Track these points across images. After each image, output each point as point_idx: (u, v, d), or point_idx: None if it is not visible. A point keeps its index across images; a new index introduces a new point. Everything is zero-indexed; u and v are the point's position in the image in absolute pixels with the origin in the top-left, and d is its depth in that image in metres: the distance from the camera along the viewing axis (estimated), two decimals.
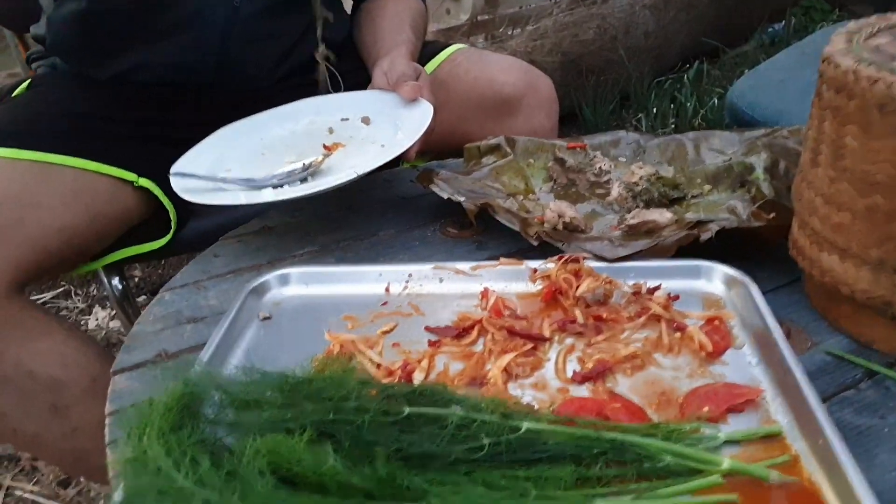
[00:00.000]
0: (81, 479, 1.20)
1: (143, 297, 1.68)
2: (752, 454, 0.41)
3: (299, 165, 0.77)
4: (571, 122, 1.94)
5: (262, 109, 0.88)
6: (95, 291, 1.71)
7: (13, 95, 0.89)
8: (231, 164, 0.78)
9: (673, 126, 1.77)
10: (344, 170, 0.71)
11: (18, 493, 1.19)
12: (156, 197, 0.86)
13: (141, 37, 0.86)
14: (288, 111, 0.86)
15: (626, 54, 1.99)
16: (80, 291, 1.70)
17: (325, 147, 0.80)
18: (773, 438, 0.42)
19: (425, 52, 1.00)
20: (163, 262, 1.74)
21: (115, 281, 0.92)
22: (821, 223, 0.49)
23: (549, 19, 2.03)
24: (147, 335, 0.58)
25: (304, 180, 0.74)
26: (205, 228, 0.93)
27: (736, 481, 0.39)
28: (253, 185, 0.74)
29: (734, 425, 0.43)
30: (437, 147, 0.96)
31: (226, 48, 0.87)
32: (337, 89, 0.93)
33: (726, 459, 0.39)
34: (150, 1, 0.82)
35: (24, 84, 0.90)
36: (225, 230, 0.92)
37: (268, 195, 0.71)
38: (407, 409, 0.42)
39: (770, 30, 2.49)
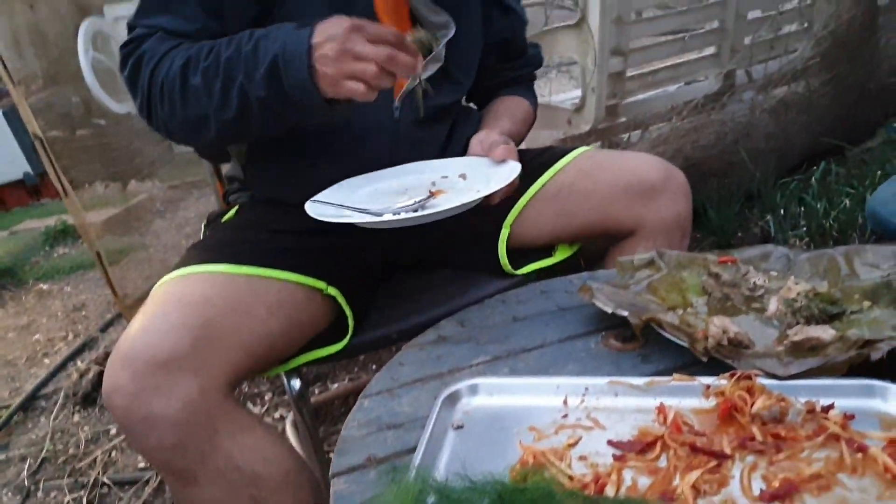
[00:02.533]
0: None
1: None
2: None
3: (411, 202, 0.95)
4: (696, 222, 1.97)
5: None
6: (246, 388, 1.86)
7: (223, 220, 1.05)
8: (354, 201, 0.97)
9: (804, 228, 1.77)
10: (449, 205, 0.88)
11: None
12: (338, 306, 0.97)
13: (324, 160, 1.02)
14: (398, 170, 1.04)
15: (748, 156, 2.02)
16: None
17: (430, 192, 0.98)
18: None
19: (553, 154, 1.13)
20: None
21: (295, 381, 1.03)
22: None
23: (668, 125, 2.10)
24: (355, 440, 0.66)
25: (415, 211, 0.91)
26: (372, 337, 1.03)
27: None
28: (373, 213, 0.92)
29: None
30: (591, 229, 1.07)
31: (392, 157, 1.04)
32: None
33: None
34: (331, 125, 0.99)
35: (233, 211, 1.06)
36: (390, 339, 1.02)
37: (387, 218, 0.89)
38: None
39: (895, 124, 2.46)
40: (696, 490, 0.52)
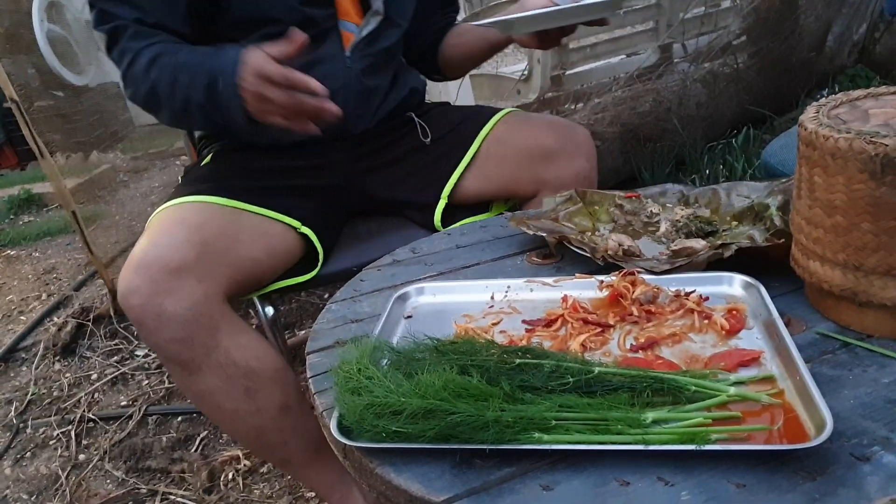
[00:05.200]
0: (222, 487, 1.44)
1: None
2: (753, 390, 0.61)
3: None
4: (632, 183, 2.16)
5: (373, 151, 1.23)
6: None
7: (202, 164, 1.19)
8: None
9: None
10: None
11: (172, 496, 1.43)
12: (308, 243, 1.12)
13: None
14: None
15: (680, 123, 2.22)
16: None
17: None
18: (767, 381, 0.62)
19: (483, 114, 1.28)
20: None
21: (268, 309, 1.18)
22: (806, 238, 0.70)
23: (609, 95, 2.28)
24: (325, 330, 0.82)
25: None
26: (337, 269, 1.19)
27: (739, 406, 0.59)
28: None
29: (742, 374, 0.63)
30: (505, 192, 1.25)
31: (343, 101, 1.14)
32: (426, 136, 1.25)
33: (732, 388, 0.60)
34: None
35: (208, 157, 1.20)
36: (352, 272, 1.18)
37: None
38: (518, 360, 0.64)
39: (819, 96, 2.68)
40: (584, 347, 0.70)
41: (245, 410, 0.98)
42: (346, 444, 0.60)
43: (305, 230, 1.11)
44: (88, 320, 2.09)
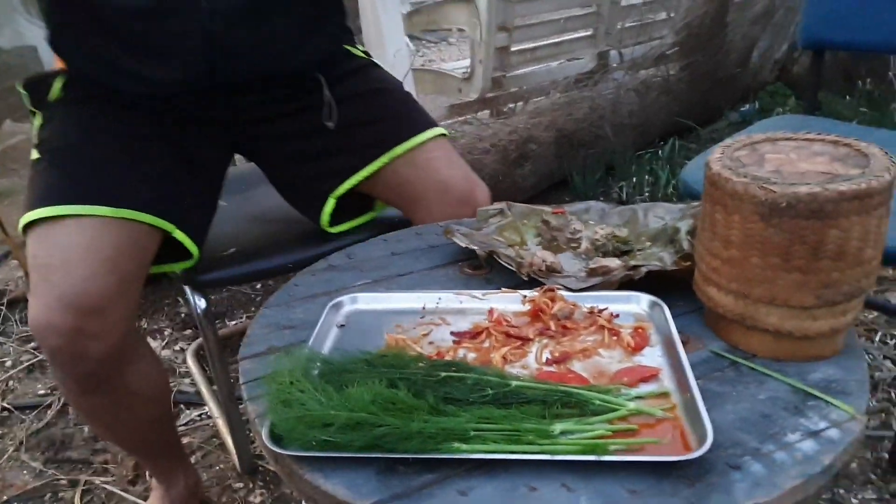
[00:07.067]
0: (147, 478, 1.45)
1: (189, 330, 1.95)
2: (650, 404, 0.68)
3: None
4: (564, 187, 2.25)
5: (262, 118, 1.16)
6: (146, 325, 1.98)
7: (52, 99, 1.07)
8: None
9: (647, 194, 2.07)
10: None
11: (95, 484, 1.43)
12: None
13: (128, 40, 1.01)
14: None
15: (612, 130, 2.31)
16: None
17: None
18: (663, 396, 0.69)
19: (408, 124, 1.20)
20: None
21: (201, 301, 1.19)
22: (706, 267, 0.77)
23: (547, 99, 2.36)
24: (258, 336, 0.85)
25: None
26: (268, 267, 1.22)
27: (637, 420, 0.66)
28: None
29: (642, 389, 0.70)
30: (391, 202, 1.26)
31: (208, 60, 1.03)
32: (329, 119, 1.16)
33: (632, 402, 0.66)
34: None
35: (57, 87, 1.07)
36: (246, 277, 1.17)
37: None
38: (443, 373, 0.69)
39: (742, 109, 2.83)
40: (505, 359, 0.76)
41: (120, 421, 1.05)
42: (277, 452, 0.64)
43: (179, 236, 1.06)
44: (2, 304, 2.03)
